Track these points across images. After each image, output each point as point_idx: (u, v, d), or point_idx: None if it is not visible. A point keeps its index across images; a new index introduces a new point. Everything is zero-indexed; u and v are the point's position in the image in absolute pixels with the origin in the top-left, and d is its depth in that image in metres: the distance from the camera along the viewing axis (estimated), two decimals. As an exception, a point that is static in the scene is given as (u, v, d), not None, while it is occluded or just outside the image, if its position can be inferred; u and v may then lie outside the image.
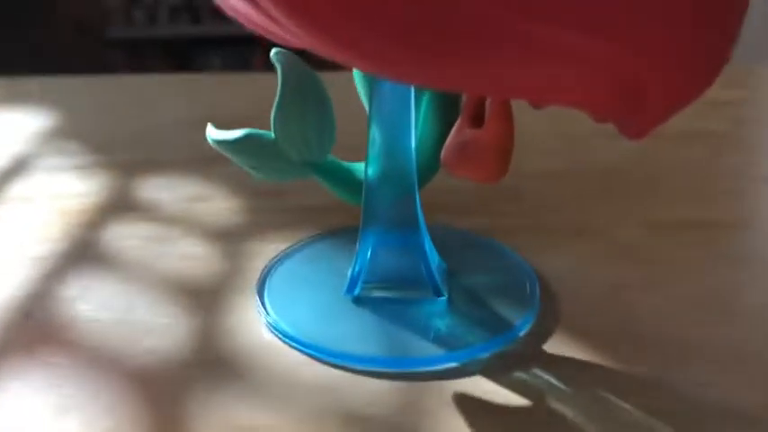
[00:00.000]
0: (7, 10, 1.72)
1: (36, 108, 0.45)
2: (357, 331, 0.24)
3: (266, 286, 0.27)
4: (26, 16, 1.76)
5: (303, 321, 0.25)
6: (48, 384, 0.23)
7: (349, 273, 0.26)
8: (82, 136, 0.41)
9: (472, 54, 0.17)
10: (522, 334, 0.25)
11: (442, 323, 0.25)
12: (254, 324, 0.25)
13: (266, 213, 0.32)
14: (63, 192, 0.35)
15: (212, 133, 0.25)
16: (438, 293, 0.25)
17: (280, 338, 0.25)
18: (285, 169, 0.25)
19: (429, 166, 0.26)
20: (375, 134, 0.24)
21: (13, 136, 0.41)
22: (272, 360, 0.24)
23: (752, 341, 0.24)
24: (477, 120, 0.22)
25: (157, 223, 0.32)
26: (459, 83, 0.18)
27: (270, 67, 0.25)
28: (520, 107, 0.22)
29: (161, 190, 0.35)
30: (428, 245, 0.26)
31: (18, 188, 0.35)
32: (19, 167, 0.37)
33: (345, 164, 0.26)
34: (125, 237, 0.31)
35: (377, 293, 0.26)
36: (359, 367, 0.23)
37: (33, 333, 0.25)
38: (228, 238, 0.31)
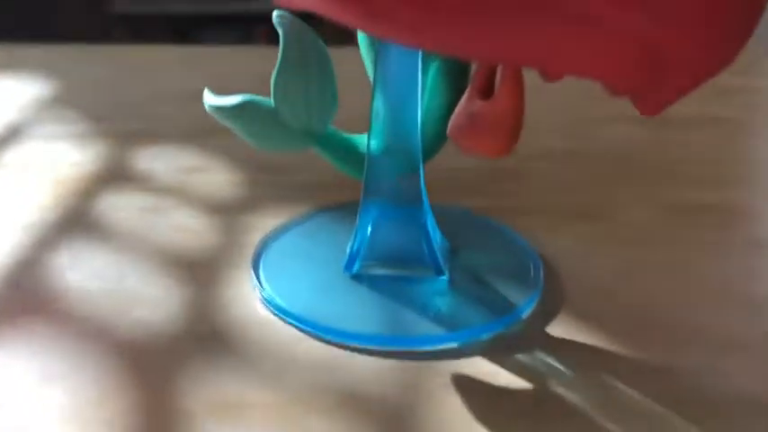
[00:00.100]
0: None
1: (34, 76, 0.44)
2: (355, 308, 0.24)
3: (262, 260, 0.26)
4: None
5: (299, 296, 0.24)
6: (33, 353, 0.22)
7: (348, 249, 0.25)
8: (79, 105, 0.40)
9: (498, 19, 0.16)
10: (524, 315, 0.24)
11: (442, 302, 0.24)
12: (249, 298, 0.25)
13: (264, 187, 0.32)
14: (58, 160, 0.34)
15: (209, 99, 0.24)
16: (439, 272, 0.25)
17: (274, 313, 0.24)
18: (284, 138, 0.24)
19: (435, 139, 0.25)
20: (379, 105, 0.23)
21: (9, 103, 0.40)
22: (266, 336, 0.23)
23: (764, 328, 0.23)
24: (486, 90, 0.21)
25: (152, 194, 0.31)
26: (482, 49, 0.17)
27: (272, 40, 0.24)
28: (527, 88, 0.21)
29: (157, 161, 0.34)
30: (430, 222, 0.25)
31: (12, 155, 0.34)
32: (15, 134, 0.36)
33: (347, 135, 0.25)
34: (119, 207, 0.30)
35: (376, 271, 0.25)
36: (355, 345, 0.23)
37: (21, 301, 0.24)
38: (225, 211, 0.30)
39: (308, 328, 0.23)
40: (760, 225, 0.29)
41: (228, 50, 0.50)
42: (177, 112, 0.39)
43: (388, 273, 0.25)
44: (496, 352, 0.23)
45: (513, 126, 0.21)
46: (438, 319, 0.23)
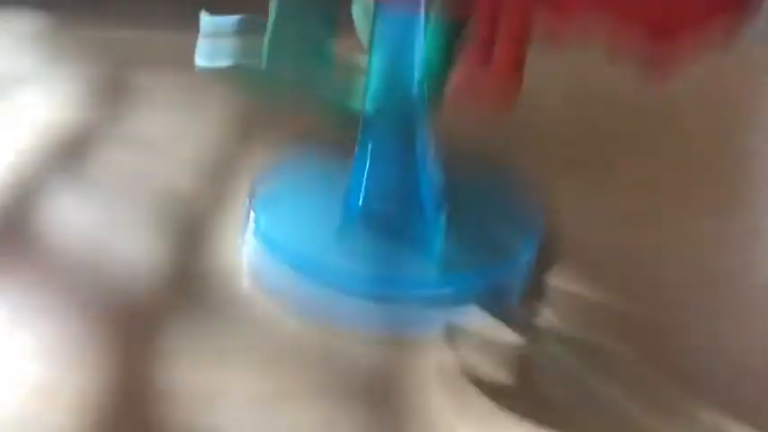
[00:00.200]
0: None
1: (34, 39, 0.40)
2: (348, 247, 0.23)
3: (257, 197, 0.25)
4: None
5: (293, 233, 0.23)
6: (7, 295, 0.22)
7: (345, 186, 0.24)
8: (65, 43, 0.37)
9: None
10: (522, 263, 0.23)
11: (439, 245, 0.24)
12: (236, 267, 0.24)
13: (261, 128, 0.30)
14: (52, 111, 0.31)
15: (205, 23, 0.23)
16: (437, 212, 0.24)
17: (268, 250, 0.23)
18: (283, 56, 0.23)
19: (433, 99, 0.23)
20: (376, 65, 0.22)
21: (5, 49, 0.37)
22: (252, 306, 0.22)
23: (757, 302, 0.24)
24: (488, 48, 0.20)
25: (145, 139, 0.29)
26: None
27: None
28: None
29: (151, 108, 0.32)
30: (430, 161, 0.24)
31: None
32: (11, 83, 0.34)
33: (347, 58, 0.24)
34: (109, 151, 0.29)
35: (373, 208, 0.24)
36: (345, 286, 0.22)
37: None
38: (219, 151, 0.29)
39: (302, 265, 0.22)
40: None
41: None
42: (174, 63, 0.36)
43: (385, 210, 0.24)
44: (491, 300, 0.22)
45: (514, 84, 0.20)
46: (434, 262, 0.23)
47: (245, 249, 0.24)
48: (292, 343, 0.21)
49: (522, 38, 0.20)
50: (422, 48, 0.22)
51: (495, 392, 0.20)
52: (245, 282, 0.23)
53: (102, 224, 0.25)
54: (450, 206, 0.25)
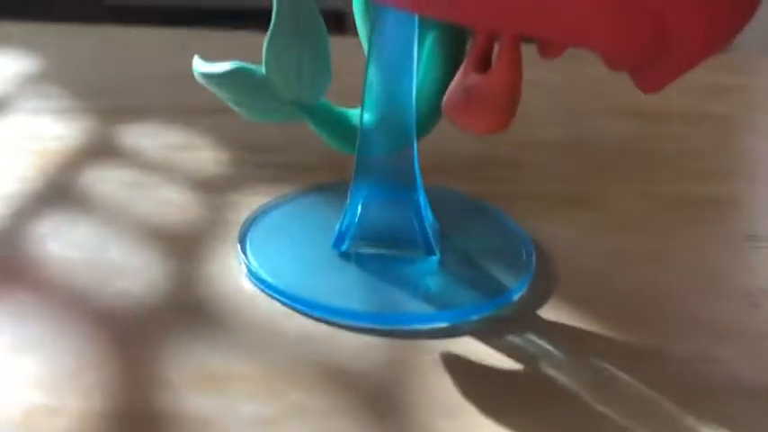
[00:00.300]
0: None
1: (20, 51, 0.43)
2: (342, 285, 0.23)
3: (248, 236, 0.25)
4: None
5: (285, 272, 0.23)
6: (7, 321, 0.21)
7: (337, 226, 0.24)
8: (65, 81, 0.39)
9: None
10: (515, 298, 0.23)
11: (432, 283, 0.24)
12: (234, 273, 0.24)
13: (252, 167, 0.31)
14: (42, 133, 0.33)
15: (199, 66, 0.24)
16: (430, 252, 0.24)
17: (260, 288, 0.23)
18: (274, 109, 0.24)
19: (430, 114, 0.24)
20: (373, 76, 0.22)
21: (-7, 77, 0.39)
22: (251, 309, 0.22)
23: (757, 318, 0.23)
24: (483, 64, 0.21)
25: (137, 169, 0.30)
26: (483, 14, 0.17)
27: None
28: (525, 79, 0.21)
29: (142, 137, 0.33)
30: (423, 201, 0.24)
31: (-6, 127, 0.33)
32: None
33: (339, 108, 0.25)
34: (102, 180, 0.29)
35: (366, 249, 0.24)
36: (342, 321, 0.22)
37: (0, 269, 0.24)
38: (210, 189, 0.29)
39: (294, 303, 0.22)
40: (754, 219, 0.29)
41: (218, 34, 0.50)
42: (165, 90, 0.39)
43: (377, 251, 0.24)
44: (486, 333, 0.22)
45: (510, 101, 0.20)
46: (427, 298, 0.23)
47: (240, 278, 0.23)
48: (291, 366, 0.20)
49: (518, 53, 0.20)
50: (419, 61, 0.22)
51: (494, 417, 0.19)
52: (242, 304, 0.22)
53: (100, 239, 0.24)
54: (443, 244, 0.25)
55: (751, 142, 0.37)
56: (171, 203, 0.28)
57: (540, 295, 0.24)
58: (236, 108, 0.24)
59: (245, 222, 0.26)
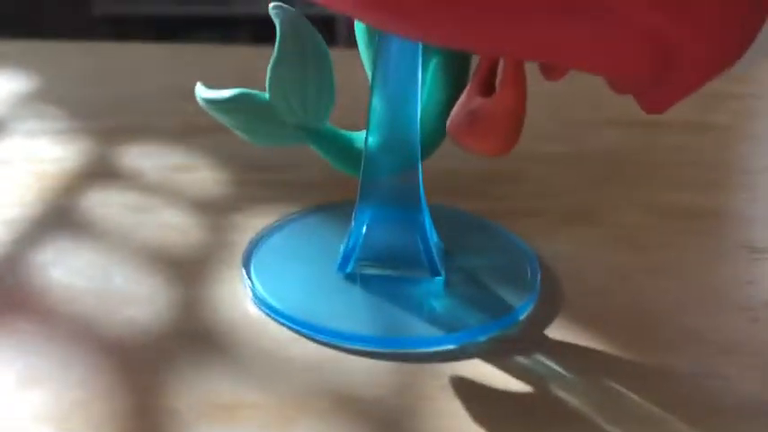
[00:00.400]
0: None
1: (16, 71, 0.43)
2: (348, 309, 0.23)
3: (253, 259, 0.25)
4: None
5: (291, 296, 0.23)
6: (13, 353, 0.21)
7: (342, 248, 0.24)
8: (63, 101, 0.39)
9: (506, 12, 0.16)
10: (522, 318, 0.23)
11: (438, 304, 0.24)
12: (240, 298, 0.24)
13: (253, 186, 0.31)
14: (40, 156, 0.33)
15: (202, 92, 0.24)
16: (435, 273, 0.24)
17: (266, 313, 0.23)
18: (278, 133, 0.24)
19: (434, 136, 0.24)
20: (377, 100, 0.22)
21: (-11, 98, 0.39)
22: (258, 335, 0.22)
23: (760, 332, 0.23)
24: (487, 87, 0.21)
25: (137, 191, 0.30)
26: (487, 41, 0.17)
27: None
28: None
29: (143, 158, 0.33)
30: (427, 222, 0.24)
31: (-8, 150, 0.33)
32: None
33: (343, 132, 0.25)
34: (103, 204, 0.29)
35: (371, 271, 0.24)
36: (349, 346, 0.22)
37: (3, 298, 0.23)
38: (213, 210, 0.29)
39: (301, 329, 0.22)
40: (754, 230, 0.29)
41: (212, 48, 0.50)
42: (163, 108, 0.39)
43: (382, 273, 0.24)
44: (494, 354, 0.22)
45: (514, 124, 0.20)
46: (434, 320, 0.23)
47: (246, 303, 0.23)
48: (301, 394, 0.20)
49: (523, 76, 0.20)
50: (423, 84, 0.22)
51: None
52: (249, 329, 0.22)
53: (104, 266, 0.24)
54: (448, 264, 0.25)
55: (752, 151, 0.37)
56: (173, 226, 0.28)
57: (545, 314, 0.24)
58: (240, 133, 0.24)
59: (248, 244, 0.26)
